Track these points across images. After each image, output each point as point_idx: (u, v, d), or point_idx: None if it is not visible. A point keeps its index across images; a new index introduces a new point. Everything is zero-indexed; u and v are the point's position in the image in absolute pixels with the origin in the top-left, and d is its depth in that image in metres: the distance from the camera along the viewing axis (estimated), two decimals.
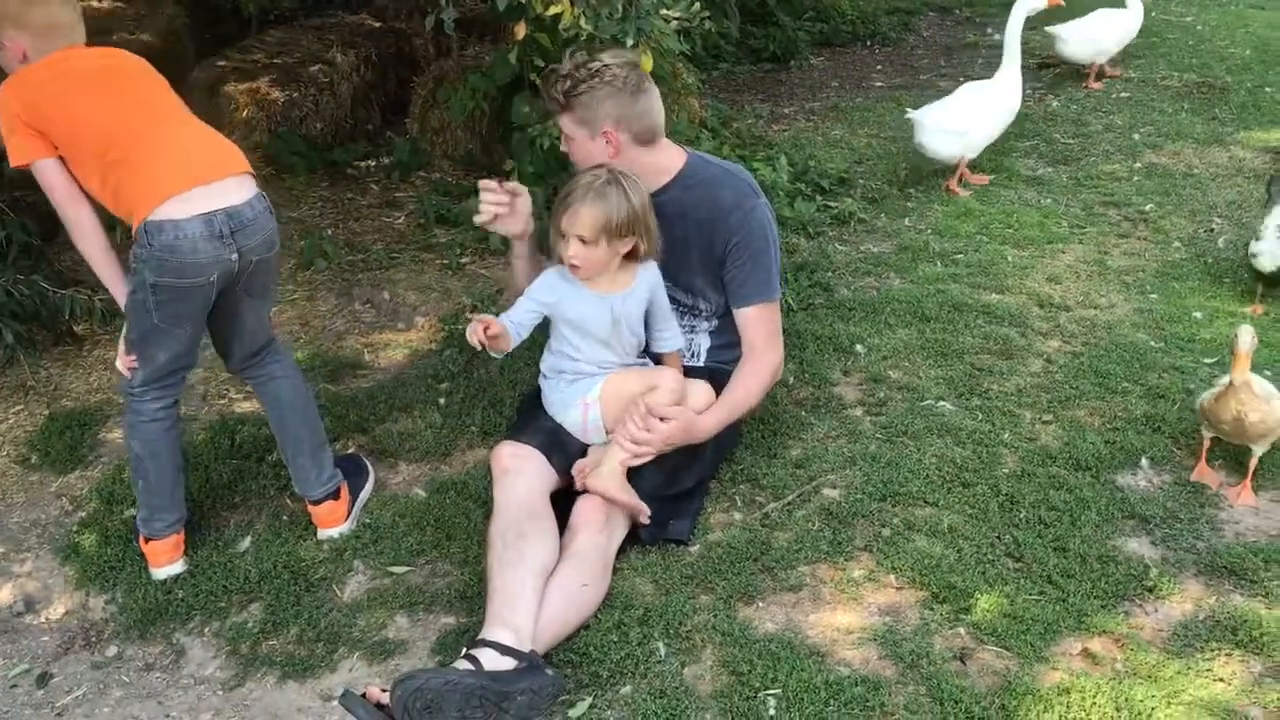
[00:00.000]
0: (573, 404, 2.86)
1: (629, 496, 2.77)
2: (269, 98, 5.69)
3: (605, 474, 2.76)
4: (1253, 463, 3.00)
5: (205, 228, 2.55)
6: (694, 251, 3.02)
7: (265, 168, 5.37)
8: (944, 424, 3.30)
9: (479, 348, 2.73)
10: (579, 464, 2.86)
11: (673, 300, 3.06)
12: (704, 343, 3.16)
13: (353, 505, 3.03)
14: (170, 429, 2.83)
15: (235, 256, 2.60)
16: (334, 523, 2.98)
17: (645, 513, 2.80)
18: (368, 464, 3.19)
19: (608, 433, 2.85)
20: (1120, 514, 2.92)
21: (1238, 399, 2.88)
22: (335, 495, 2.98)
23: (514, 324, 2.77)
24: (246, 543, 2.98)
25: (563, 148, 3.01)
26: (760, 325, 3.05)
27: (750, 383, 3.04)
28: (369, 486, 3.13)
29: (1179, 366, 3.60)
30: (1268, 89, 6.42)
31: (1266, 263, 3.87)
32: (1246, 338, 2.84)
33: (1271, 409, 2.90)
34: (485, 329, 2.67)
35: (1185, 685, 2.38)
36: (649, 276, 2.86)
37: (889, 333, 3.87)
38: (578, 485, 2.82)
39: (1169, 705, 2.32)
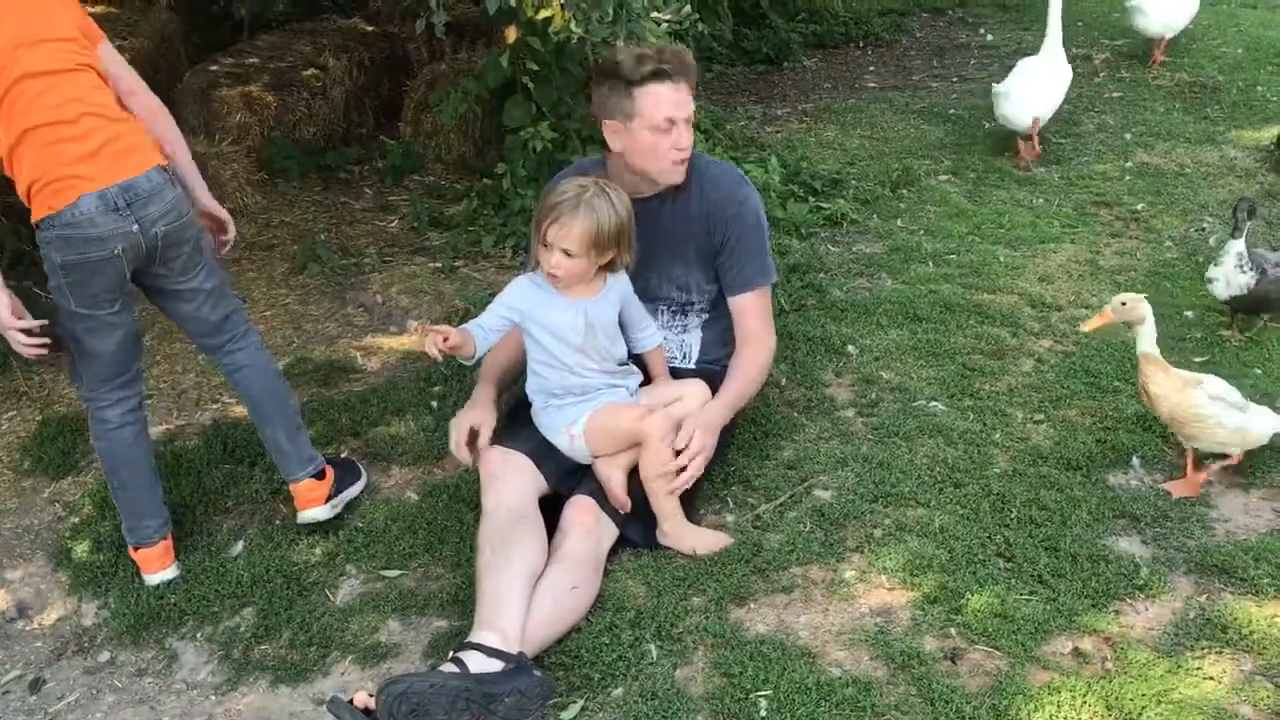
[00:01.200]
0: (559, 431, 2.85)
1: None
2: (262, 102, 5.71)
3: (671, 528, 2.84)
4: (1189, 455, 3.02)
5: (99, 201, 2.57)
6: (691, 244, 3.05)
7: (258, 172, 5.38)
8: (935, 424, 3.31)
9: (439, 359, 2.73)
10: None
11: (667, 299, 3.08)
12: (694, 343, 3.17)
13: (335, 494, 3.02)
14: (139, 435, 2.83)
15: (135, 228, 2.61)
16: (313, 502, 2.97)
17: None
18: (361, 468, 3.20)
19: (593, 457, 2.85)
20: (1111, 513, 2.93)
21: (1141, 370, 2.97)
22: (318, 476, 2.98)
23: (483, 330, 2.74)
24: (239, 547, 2.99)
25: (689, 139, 2.95)
26: (758, 311, 3.10)
27: (750, 369, 3.07)
28: (359, 486, 3.13)
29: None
30: (1259, 88, 6.43)
31: (1220, 289, 3.70)
32: (1114, 302, 2.93)
33: (1182, 395, 2.91)
34: (444, 340, 2.64)
35: (1175, 684, 2.38)
36: (619, 282, 2.86)
37: (881, 333, 3.87)
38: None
39: (1159, 704, 2.32)
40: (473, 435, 2.89)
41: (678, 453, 2.79)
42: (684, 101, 2.89)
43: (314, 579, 2.87)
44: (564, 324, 2.77)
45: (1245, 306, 3.73)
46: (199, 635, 2.73)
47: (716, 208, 3.02)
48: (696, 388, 2.99)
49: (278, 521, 3.07)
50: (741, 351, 3.09)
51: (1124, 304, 2.92)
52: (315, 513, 2.98)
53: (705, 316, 3.17)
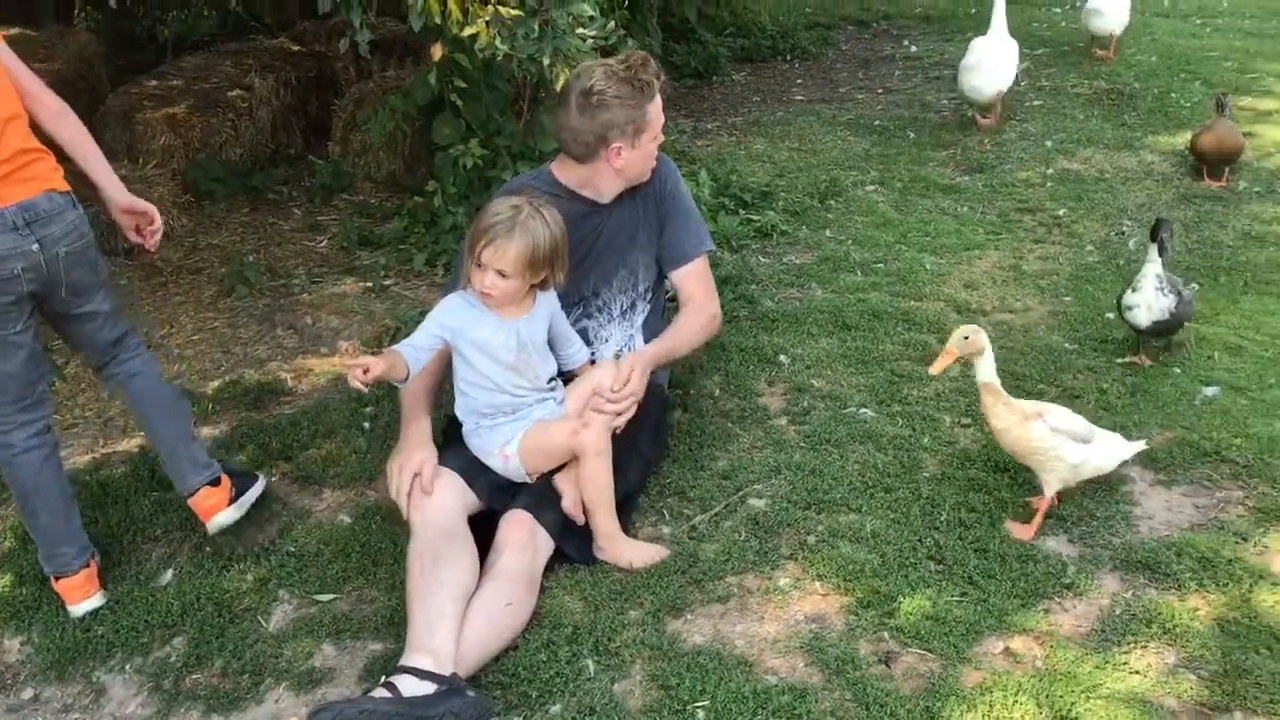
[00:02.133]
0: (493, 453, 2.85)
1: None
2: (187, 124, 5.63)
3: (609, 542, 2.83)
4: (1042, 504, 2.91)
5: None
6: (643, 231, 3.16)
7: (184, 195, 5.31)
8: (866, 431, 3.35)
9: (363, 390, 2.71)
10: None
11: (619, 301, 3.16)
12: (640, 338, 3.22)
13: (236, 496, 2.97)
14: (48, 458, 2.77)
15: (36, 247, 2.59)
16: (216, 507, 2.93)
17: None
18: (256, 473, 3.14)
19: (529, 475, 2.85)
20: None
21: (982, 402, 2.90)
22: (214, 483, 2.94)
23: (414, 349, 2.72)
24: (169, 575, 2.94)
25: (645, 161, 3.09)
26: (700, 279, 3.22)
27: (686, 328, 3.17)
28: (259, 488, 3.06)
29: (1092, 367, 3.69)
30: (1173, 94, 6.61)
31: (1142, 316, 3.54)
32: (956, 337, 2.84)
33: (1022, 428, 2.83)
34: (365, 372, 2.60)
35: (1104, 679, 2.43)
36: (549, 300, 2.87)
37: (812, 342, 3.91)
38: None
39: (1088, 700, 2.37)
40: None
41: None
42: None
43: (246, 605, 2.83)
44: (496, 342, 2.76)
45: (1163, 331, 3.61)
46: (128, 667, 2.67)
47: (656, 183, 3.16)
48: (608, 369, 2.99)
49: (208, 548, 3.02)
50: (685, 311, 3.20)
51: (966, 337, 2.83)
52: (223, 516, 2.93)
53: (649, 308, 3.25)
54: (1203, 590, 2.68)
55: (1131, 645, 2.53)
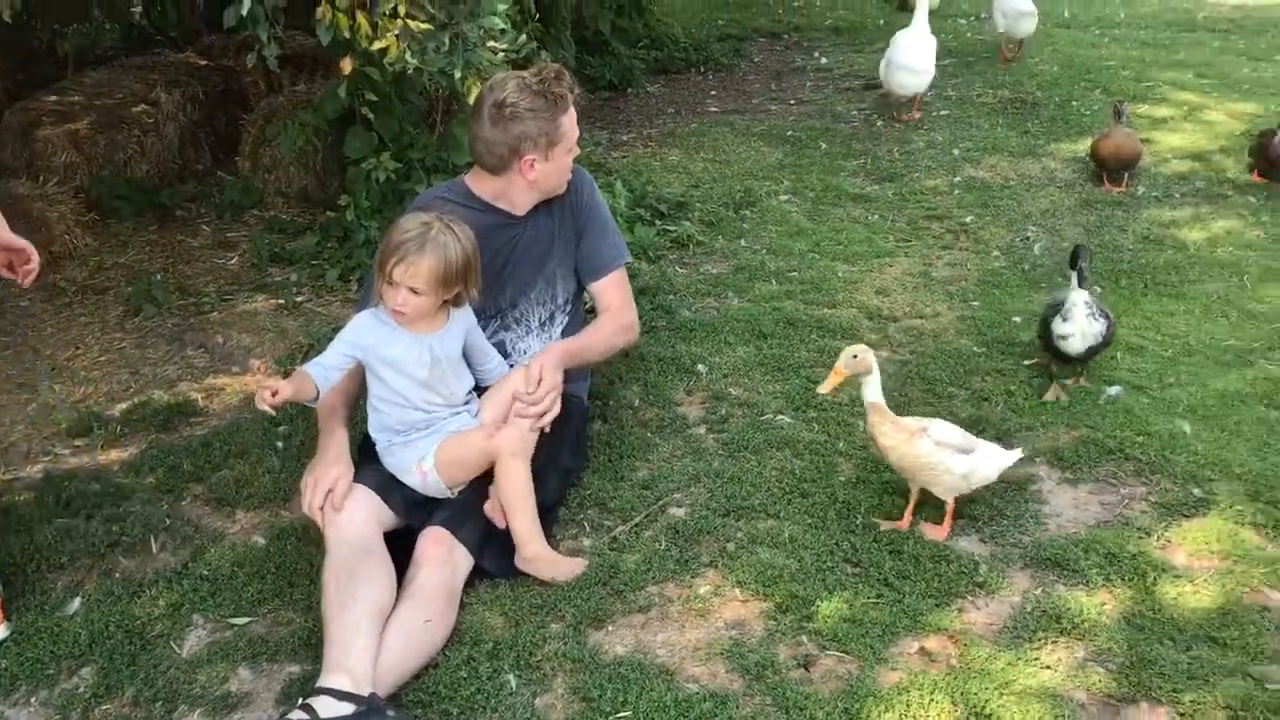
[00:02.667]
0: (409, 470, 2.82)
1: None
2: (90, 140, 5.50)
3: (531, 553, 2.80)
4: (949, 505, 2.96)
5: None
6: (560, 242, 3.17)
7: (88, 213, 5.18)
8: (783, 437, 3.39)
9: (272, 413, 2.68)
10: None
11: (536, 313, 3.17)
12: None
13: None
14: None
15: None
16: None
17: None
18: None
19: (449, 489, 2.84)
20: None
21: (868, 420, 2.93)
22: None
23: (324, 368, 2.70)
24: (76, 604, 2.85)
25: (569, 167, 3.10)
26: (617, 289, 3.25)
27: (606, 327, 3.20)
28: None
29: (1000, 370, 3.78)
30: (1074, 103, 6.80)
31: (1077, 344, 3.49)
32: (844, 357, 2.86)
33: (909, 444, 2.86)
34: (272, 394, 2.56)
35: (1016, 675, 2.49)
36: (464, 315, 2.86)
37: (729, 351, 3.95)
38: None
39: (1002, 696, 2.42)
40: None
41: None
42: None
43: (158, 631, 2.76)
44: (409, 359, 2.74)
45: (1094, 355, 3.56)
46: (33, 700, 2.59)
47: (573, 194, 3.18)
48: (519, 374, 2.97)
49: (117, 575, 2.95)
50: (602, 318, 3.23)
51: (855, 356, 2.85)
52: None
53: (567, 320, 3.26)
54: (1109, 585, 2.76)
55: (1042, 641, 2.59)
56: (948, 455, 2.87)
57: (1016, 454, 3.02)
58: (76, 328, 4.32)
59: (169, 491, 3.27)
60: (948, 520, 2.96)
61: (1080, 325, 3.47)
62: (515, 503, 2.78)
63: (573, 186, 3.19)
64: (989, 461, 2.95)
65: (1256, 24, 9.15)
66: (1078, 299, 3.47)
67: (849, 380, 2.91)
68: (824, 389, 2.92)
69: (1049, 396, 3.54)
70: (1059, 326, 3.50)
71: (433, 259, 2.64)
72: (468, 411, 2.88)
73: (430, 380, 2.77)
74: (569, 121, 3.03)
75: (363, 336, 2.74)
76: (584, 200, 3.22)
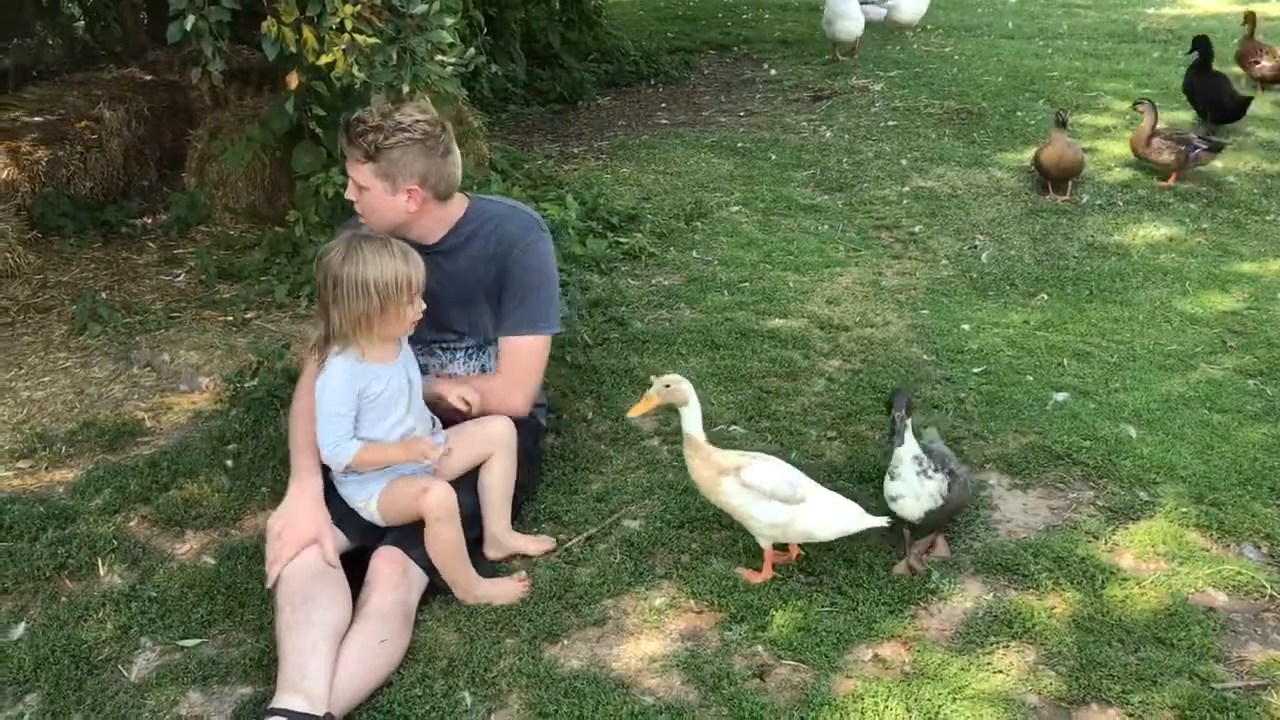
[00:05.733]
0: (358, 505, 2.82)
1: None
2: (31, 157, 5.41)
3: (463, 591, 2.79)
4: (766, 556, 2.84)
5: None
6: (480, 289, 3.05)
7: (30, 230, 5.10)
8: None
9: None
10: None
11: (461, 340, 3.08)
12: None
13: None
14: None
15: None
16: None
17: None
18: None
19: (386, 526, 2.82)
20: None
21: (685, 452, 2.85)
22: None
23: (347, 435, 2.72)
24: (20, 630, 2.80)
25: (350, 195, 2.95)
26: (521, 356, 3.06)
27: (491, 398, 3.01)
28: None
29: (950, 377, 3.82)
30: (1019, 113, 6.90)
31: (911, 507, 2.84)
32: (658, 385, 2.81)
33: (714, 482, 2.79)
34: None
35: (969, 680, 2.51)
36: (404, 343, 2.86)
37: (682, 362, 3.96)
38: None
39: (955, 700, 2.44)
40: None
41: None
42: None
43: (105, 655, 2.71)
44: (393, 388, 2.74)
45: (941, 519, 2.91)
46: None
47: (504, 247, 3.03)
48: (501, 425, 2.97)
49: (64, 599, 2.90)
50: (493, 381, 3.07)
51: (667, 385, 2.78)
52: None
53: (488, 354, 3.17)
54: (1059, 589, 2.79)
55: (994, 645, 2.62)
56: (753, 500, 2.75)
57: (873, 521, 2.79)
58: (19, 347, 4.24)
59: (116, 513, 3.22)
60: (766, 565, 2.85)
61: (911, 485, 2.83)
62: (444, 561, 2.75)
63: (517, 238, 3.04)
64: (822, 518, 2.77)
65: (1196, 34, 9.32)
66: (904, 454, 2.83)
67: (666, 407, 2.85)
68: (632, 413, 2.86)
69: (898, 570, 2.87)
70: (888, 486, 2.89)
71: (416, 260, 2.72)
72: (424, 468, 2.85)
73: (410, 403, 2.79)
74: (370, 167, 2.87)
75: (353, 384, 2.69)
76: (516, 254, 3.03)
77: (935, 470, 2.83)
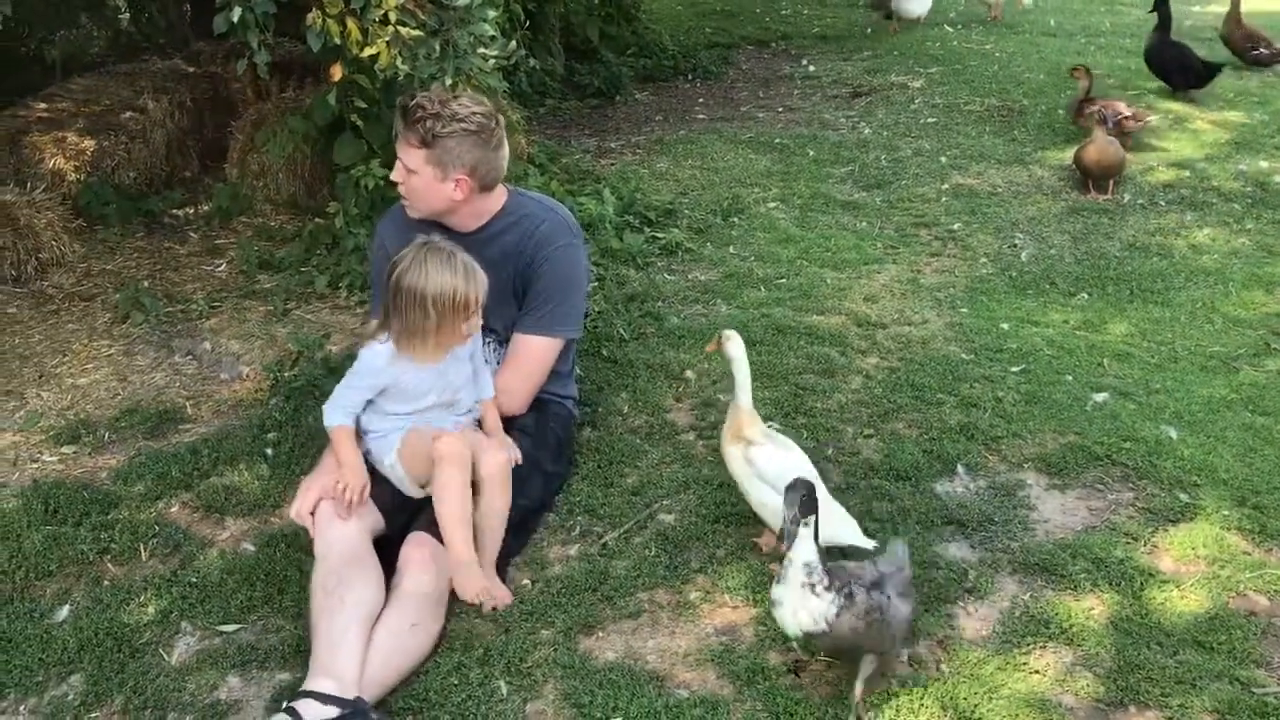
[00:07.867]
0: (383, 461, 2.85)
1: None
2: (77, 147, 5.48)
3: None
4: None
5: None
6: (508, 283, 3.08)
7: (76, 220, 5.16)
8: None
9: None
10: None
11: (494, 332, 3.10)
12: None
13: None
14: None
15: None
16: None
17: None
18: None
19: (415, 485, 2.84)
20: (940, 520, 3.05)
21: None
22: None
23: (353, 411, 2.80)
24: (65, 612, 2.85)
25: (396, 176, 2.98)
26: (532, 355, 3.09)
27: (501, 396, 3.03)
28: None
29: (989, 376, 3.80)
30: (1060, 110, 6.84)
31: (788, 620, 2.32)
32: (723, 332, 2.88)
33: (727, 446, 2.86)
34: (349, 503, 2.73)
35: (1005, 680, 2.50)
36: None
37: (718, 358, 3.93)
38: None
39: (991, 700, 2.43)
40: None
41: None
42: None
43: (147, 639, 2.75)
44: (423, 389, 2.77)
45: (830, 648, 2.40)
46: (22, 709, 2.58)
47: (536, 247, 3.06)
48: (494, 465, 2.83)
49: (106, 582, 2.94)
50: (502, 373, 3.08)
51: (724, 336, 2.87)
52: None
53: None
54: (1097, 590, 2.77)
55: (1031, 646, 2.60)
56: (749, 477, 2.80)
57: (864, 542, 2.71)
58: (64, 335, 4.30)
59: (158, 499, 3.26)
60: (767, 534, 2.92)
61: (791, 595, 2.31)
62: (448, 514, 2.70)
63: (548, 238, 3.07)
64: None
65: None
66: (796, 557, 2.30)
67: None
68: (708, 348, 2.97)
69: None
70: (773, 590, 2.37)
71: (480, 277, 2.74)
72: (453, 414, 2.89)
73: (439, 402, 2.82)
74: (424, 153, 2.92)
75: (380, 377, 2.76)
76: (544, 254, 3.07)
77: (827, 589, 2.29)
